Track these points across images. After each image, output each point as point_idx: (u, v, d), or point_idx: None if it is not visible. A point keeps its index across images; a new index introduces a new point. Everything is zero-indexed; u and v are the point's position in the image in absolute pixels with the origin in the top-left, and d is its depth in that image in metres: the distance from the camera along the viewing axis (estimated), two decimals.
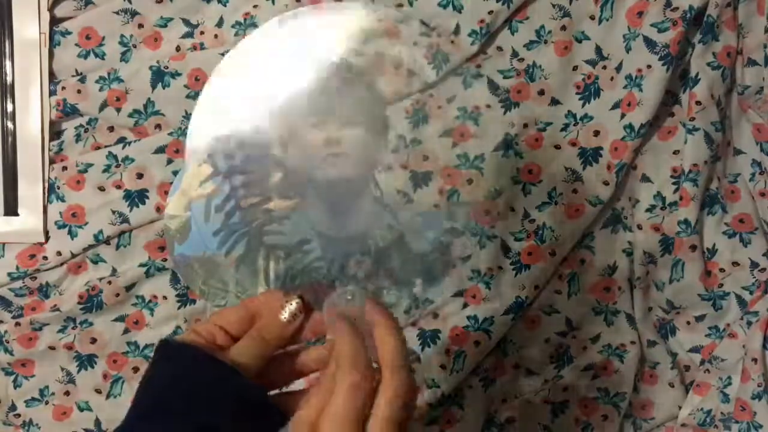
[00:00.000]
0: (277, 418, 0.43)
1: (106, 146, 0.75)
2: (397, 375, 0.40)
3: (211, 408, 0.40)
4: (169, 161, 0.74)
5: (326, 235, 0.43)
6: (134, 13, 0.74)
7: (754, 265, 0.76)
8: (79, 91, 0.74)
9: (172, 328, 0.77)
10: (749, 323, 0.76)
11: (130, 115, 0.74)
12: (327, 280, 0.44)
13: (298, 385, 0.47)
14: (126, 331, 0.77)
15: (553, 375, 0.79)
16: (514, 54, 0.75)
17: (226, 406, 0.41)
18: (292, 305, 0.45)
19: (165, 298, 0.77)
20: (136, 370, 0.78)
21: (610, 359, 0.79)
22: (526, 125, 0.76)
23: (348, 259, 0.43)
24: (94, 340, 0.77)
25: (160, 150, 0.74)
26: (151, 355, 0.78)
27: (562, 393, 0.80)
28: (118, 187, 0.75)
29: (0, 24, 0.73)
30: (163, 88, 0.74)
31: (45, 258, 0.75)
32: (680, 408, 0.79)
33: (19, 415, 0.78)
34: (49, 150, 0.75)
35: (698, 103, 0.72)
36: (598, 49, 0.75)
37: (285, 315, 0.45)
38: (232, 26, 0.74)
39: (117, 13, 0.74)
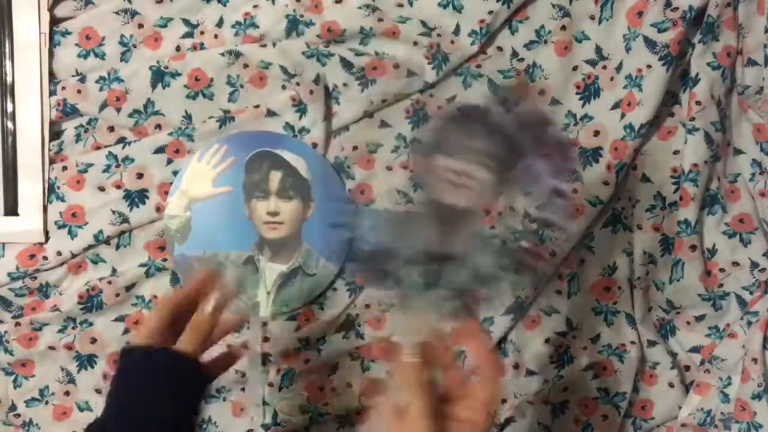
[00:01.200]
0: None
1: (106, 146, 0.75)
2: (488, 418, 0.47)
3: (175, 389, 0.53)
4: (169, 161, 0.74)
5: (429, 251, 0.49)
6: (134, 13, 0.74)
7: (754, 265, 0.76)
8: (79, 91, 0.74)
9: None
10: (749, 323, 0.76)
11: (130, 115, 0.74)
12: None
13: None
14: (126, 331, 0.77)
15: (553, 375, 0.79)
16: (514, 54, 0.75)
17: (187, 388, 0.54)
18: (212, 301, 0.56)
19: None
20: None
21: (610, 359, 0.79)
22: None
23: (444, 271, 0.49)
24: (94, 340, 0.77)
25: (160, 150, 0.74)
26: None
27: (562, 393, 0.80)
28: (118, 187, 0.75)
29: (0, 24, 0.73)
30: (163, 88, 0.74)
31: (45, 258, 0.75)
32: (680, 408, 0.79)
33: (19, 415, 0.78)
34: (49, 150, 0.75)
35: (698, 103, 0.72)
36: (598, 49, 0.75)
37: (209, 309, 0.56)
38: (232, 26, 0.74)
39: (117, 13, 0.74)
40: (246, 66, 0.74)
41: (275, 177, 0.73)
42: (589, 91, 0.76)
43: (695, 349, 0.79)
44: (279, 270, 0.74)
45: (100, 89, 0.74)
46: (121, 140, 0.76)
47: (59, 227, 0.75)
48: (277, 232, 0.74)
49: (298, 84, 0.74)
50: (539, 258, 0.53)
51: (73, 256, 0.75)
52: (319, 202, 0.74)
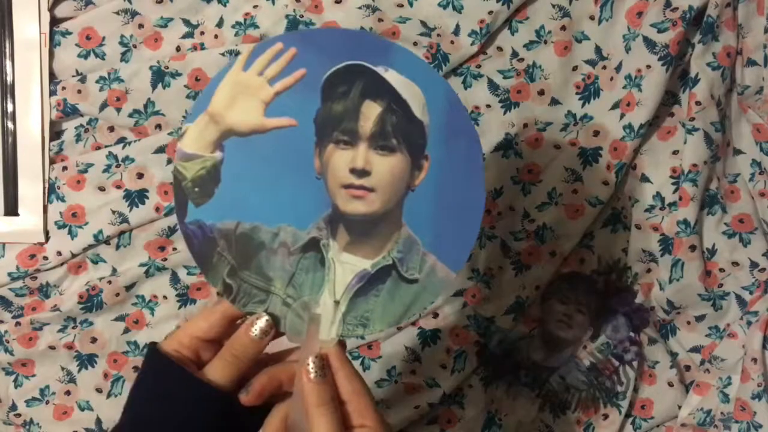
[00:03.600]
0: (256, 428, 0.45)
1: (106, 146, 0.76)
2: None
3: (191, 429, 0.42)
4: (169, 161, 0.75)
5: (537, 362, 0.78)
6: (134, 14, 0.74)
7: (753, 265, 0.76)
8: (79, 91, 0.74)
9: (172, 328, 0.77)
10: (749, 323, 0.76)
11: (131, 115, 0.74)
12: None
13: None
14: (126, 330, 0.77)
15: (555, 374, 0.79)
16: (514, 54, 0.75)
17: (206, 427, 0.42)
18: (262, 322, 0.43)
19: (165, 297, 0.77)
20: (136, 369, 0.78)
21: (610, 358, 0.79)
22: (526, 125, 0.76)
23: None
24: (94, 340, 0.77)
25: (160, 150, 0.74)
26: None
27: (563, 393, 0.80)
28: (118, 187, 0.75)
29: (0, 24, 0.73)
30: (164, 88, 0.74)
31: (45, 258, 0.75)
32: (680, 407, 0.79)
33: (19, 415, 0.78)
34: (50, 150, 0.75)
35: (698, 103, 0.72)
36: (598, 49, 0.75)
37: (255, 332, 0.43)
38: (232, 26, 0.74)
39: (117, 13, 0.74)
40: None
41: (371, 111, 0.45)
42: (589, 91, 0.76)
43: (695, 349, 0.79)
44: (359, 267, 0.46)
45: (101, 89, 0.74)
46: (122, 140, 0.76)
47: (59, 227, 0.75)
48: (363, 204, 0.46)
49: None
50: (612, 376, 0.77)
51: (73, 256, 0.75)
52: (440, 161, 0.45)
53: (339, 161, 0.45)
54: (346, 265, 0.46)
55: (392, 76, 0.45)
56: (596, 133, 0.76)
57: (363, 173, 0.45)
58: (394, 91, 0.45)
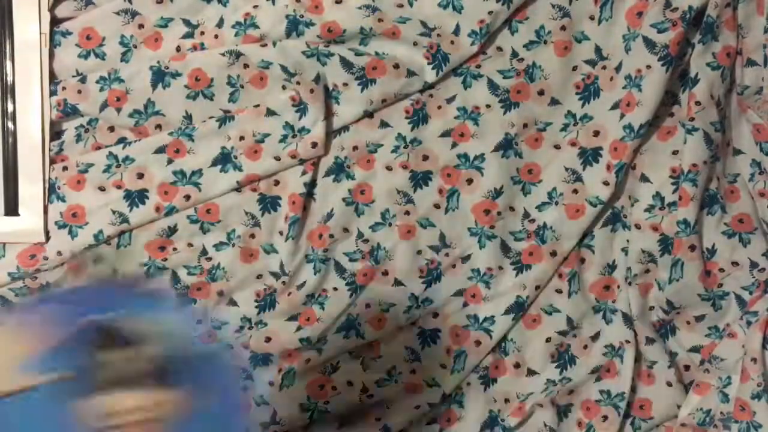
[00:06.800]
0: None
1: (106, 146, 0.75)
2: None
3: None
4: (170, 161, 0.74)
5: None
6: (135, 14, 0.74)
7: (753, 265, 0.76)
8: (79, 92, 0.74)
9: None
10: (749, 323, 0.76)
11: (131, 115, 0.74)
12: None
13: None
14: None
15: (555, 374, 0.79)
16: (514, 54, 0.75)
17: None
18: None
19: None
20: None
21: (613, 360, 0.79)
22: (526, 125, 0.76)
23: None
24: None
25: (161, 150, 0.74)
26: None
27: (567, 396, 0.79)
28: (119, 187, 0.75)
29: (1, 24, 0.73)
30: (164, 88, 0.74)
31: (45, 258, 0.75)
32: (679, 407, 0.79)
33: None
34: (50, 150, 0.75)
35: (698, 103, 0.72)
36: (598, 50, 0.75)
37: None
38: (232, 26, 0.74)
39: (117, 13, 0.74)
40: (246, 66, 0.74)
41: (109, 358, 0.44)
42: (589, 91, 0.76)
43: (695, 349, 0.79)
44: None
45: (101, 89, 0.74)
46: (122, 140, 0.76)
47: (60, 227, 0.75)
48: None
49: (298, 83, 0.74)
50: None
51: (74, 255, 0.75)
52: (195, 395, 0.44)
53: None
54: None
55: (126, 320, 0.44)
56: (596, 133, 0.76)
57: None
58: (126, 333, 0.44)
